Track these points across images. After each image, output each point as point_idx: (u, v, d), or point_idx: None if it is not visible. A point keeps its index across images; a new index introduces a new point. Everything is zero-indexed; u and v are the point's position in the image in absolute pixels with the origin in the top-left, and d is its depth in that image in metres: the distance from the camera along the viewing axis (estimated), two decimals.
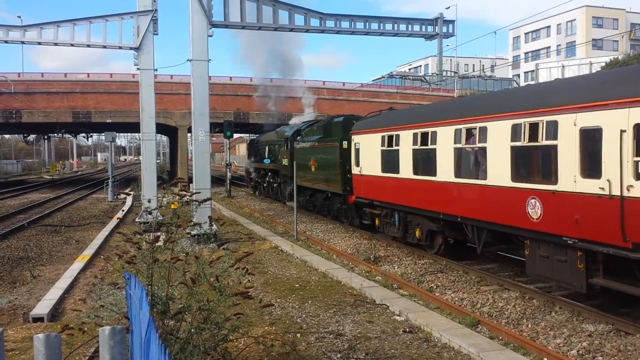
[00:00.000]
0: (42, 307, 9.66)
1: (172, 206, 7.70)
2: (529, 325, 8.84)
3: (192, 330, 5.68)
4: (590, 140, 8.21)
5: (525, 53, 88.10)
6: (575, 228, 8.49)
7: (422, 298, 10.47)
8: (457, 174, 11.74)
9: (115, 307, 6.38)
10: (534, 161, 9.74)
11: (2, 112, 38.56)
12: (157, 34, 18.95)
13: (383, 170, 15.33)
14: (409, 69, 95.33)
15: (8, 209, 27.35)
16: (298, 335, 8.35)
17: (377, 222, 16.51)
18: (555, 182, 8.87)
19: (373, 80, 63.19)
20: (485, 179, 10.71)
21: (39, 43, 19.48)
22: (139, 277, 5.77)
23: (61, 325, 7.23)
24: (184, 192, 7.13)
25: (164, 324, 5.76)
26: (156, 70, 19.48)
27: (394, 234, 15.52)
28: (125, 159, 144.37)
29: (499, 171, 10.26)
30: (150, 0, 18.61)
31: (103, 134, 45.23)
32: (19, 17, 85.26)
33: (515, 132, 9.75)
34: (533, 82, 52.23)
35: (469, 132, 11.32)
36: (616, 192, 7.72)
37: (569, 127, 8.54)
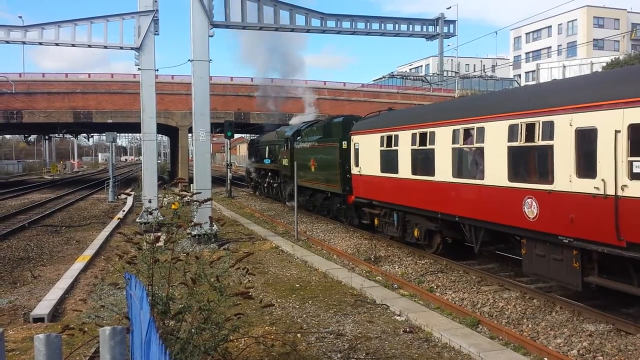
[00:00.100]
0: (43, 308, 9.68)
1: (173, 206, 7.71)
2: (530, 325, 8.85)
3: (193, 330, 5.68)
4: (586, 141, 8.29)
5: (526, 53, 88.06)
6: (570, 227, 8.57)
7: (422, 298, 10.49)
8: (455, 174, 11.81)
9: (115, 307, 6.38)
10: (530, 161, 9.82)
11: (3, 113, 38.62)
12: (158, 34, 18.98)
13: (382, 171, 15.39)
14: (410, 69, 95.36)
15: (9, 209, 27.41)
16: (298, 335, 8.36)
17: (376, 221, 16.56)
18: (551, 182, 8.95)
19: (374, 81, 63.22)
20: (483, 178, 10.79)
21: (40, 43, 19.51)
22: (139, 278, 5.78)
23: (62, 325, 7.26)
24: (185, 193, 7.15)
25: (165, 324, 5.77)
26: (157, 70, 19.51)
27: (393, 234, 15.57)
28: (126, 159, 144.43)
29: (496, 171, 10.34)
30: (152, 1, 18.63)
31: (104, 134, 45.37)
32: (20, 17, 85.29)
33: (512, 132, 9.83)
34: (533, 82, 52.26)
35: (467, 132, 11.39)
36: (611, 191, 7.80)
37: (565, 127, 8.62)
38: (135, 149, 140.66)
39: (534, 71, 70.39)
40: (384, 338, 8.29)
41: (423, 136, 13.09)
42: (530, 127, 9.38)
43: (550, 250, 9.29)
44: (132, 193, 24.01)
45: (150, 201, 18.68)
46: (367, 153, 16.49)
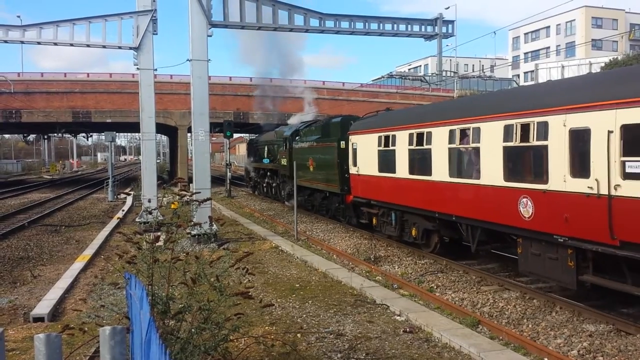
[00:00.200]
0: (43, 307, 9.68)
1: (172, 206, 7.71)
2: (530, 326, 8.85)
3: (193, 330, 5.69)
4: (579, 141, 8.38)
5: (525, 53, 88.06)
6: (565, 226, 8.66)
7: (422, 298, 10.48)
8: (452, 173, 11.89)
9: (115, 307, 6.40)
10: (525, 161, 9.92)
11: (2, 112, 38.60)
12: (156, 34, 19.01)
13: (380, 170, 15.45)
14: (409, 69, 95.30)
15: (8, 208, 27.42)
16: (298, 335, 8.36)
17: (374, 221, 16.62)
18: (545, 182, 9.04)
19: (373, 80, 63.14)
20: (479, 178, 10.87)
21: (39, 43, 19.51)
22: (139, 277, 5.79)
23: (62, 325, 7.27)
24: (184, 192, 7.16)
25: (165, 324, 5.79)
26: (156, 70, 19.53)
27: (391, 233, 15.63)
28: (125, 159, 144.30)
29: (491, 171, 10.43)
30: (150, 0, 18.66)
31: (103, 133, 45.24)
32: (19, 16, 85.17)
33: (508, 132, 9.92)
34: (532, 82, 52.24)
35: (463, 132, 11.48)
36: (604, 191, 7.89)
37: (559, 127, 8.71)
38: (135, 148, 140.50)
39: (532, 71, 70.46)
40: (384, 338, 8.29)
41: (420, 136, 13.16)
42: (525, 128, 9.47)
43: (545, 249, 9.37)
44: (132, 193, 24.00)
45: (149, 201, 18.72)
46: (365, 153, 16.55)
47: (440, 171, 12.28)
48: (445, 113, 12.59)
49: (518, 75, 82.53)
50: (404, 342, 8.12)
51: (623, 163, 7.64)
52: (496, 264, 12.98)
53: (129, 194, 25.24)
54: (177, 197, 7.29)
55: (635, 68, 10.13)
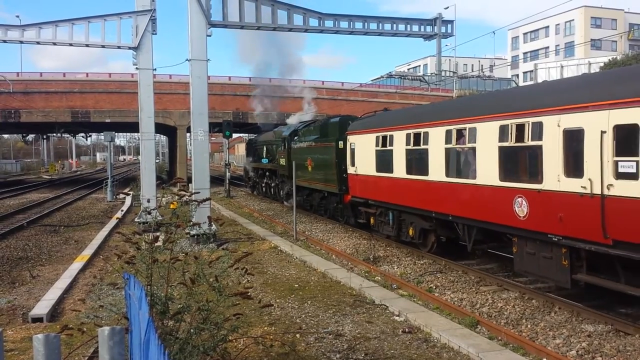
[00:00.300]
0: (42, 308, 9.68)
1: (171, 206, 7.73)
2: (529, 326, 8.87)
3: (192, 330, 5.70)
4: (573, 141, 8.47)
5: (524, 53, 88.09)
6: (559, 226, 8.73)
7: (421, 298, 10.50)
8: (448, 173, 11.97)
9: (114, 307, 6.41)
10: (520, 161, 10.00)
11: (1, 112, 38.63)
12: (155, 34, 19.01)
13: (377, 170, 15.50)
14: (408, 69, 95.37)
15: (7, 208, 27.42)
16: (297, 335, 8.37)
17: (372, 220, 16.67)
18: (540, 182, 9.11)
19: (372, 80, 63.16)
20: (475, 178, 10.95)
21: (38, 42, 19.50)
22: (138, 278, 5.80)
23: (60, 325, 7.30)
24: (183, 192, 7.17)
25: (163, 324, 5.80)
26: (155, 70, 19.53)
27: (388, 233, 15.69)
28: (124, 159, 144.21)
29: (487, 171, 10.50)
30: (149, 0, 18.66)
31: (102, 133, 45.28)
32: (18, 16, 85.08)
33: (503, 132, 10.01)
34: (531, 82, 52.30)
35: (460, 132, 11.55)
36: (597, 190, 7.96)
37: (553, 128, 8.79)
38: (134, 148, 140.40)
39: (531, 71, 70.50)
40: (383, 338, 8.30)
41: (417, 136, 13.22)
42: (520, 128, 9.55)
43: (540, 249, 9.45)
44: (131, 193, 24.04)
45: (148, 201, 18.73)
46: (362, 153, 16.60)
47: (436, 171, 12.34)
48: (442, 113, 12.65)
49: (517, 75, 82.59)
50: (403, 343, 8.14)
51: (616, 163, 7.72)
52: (495, 264, 13.00)
53: (128, 194, 25.30)
54: (176, 197, 7.30)
55: (628, 69, 10.22)
